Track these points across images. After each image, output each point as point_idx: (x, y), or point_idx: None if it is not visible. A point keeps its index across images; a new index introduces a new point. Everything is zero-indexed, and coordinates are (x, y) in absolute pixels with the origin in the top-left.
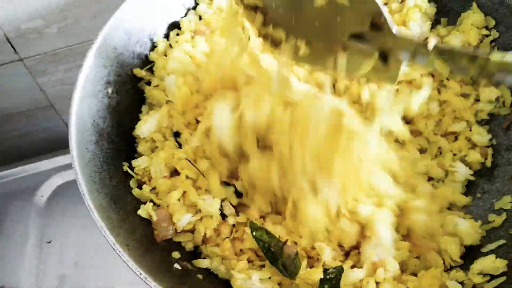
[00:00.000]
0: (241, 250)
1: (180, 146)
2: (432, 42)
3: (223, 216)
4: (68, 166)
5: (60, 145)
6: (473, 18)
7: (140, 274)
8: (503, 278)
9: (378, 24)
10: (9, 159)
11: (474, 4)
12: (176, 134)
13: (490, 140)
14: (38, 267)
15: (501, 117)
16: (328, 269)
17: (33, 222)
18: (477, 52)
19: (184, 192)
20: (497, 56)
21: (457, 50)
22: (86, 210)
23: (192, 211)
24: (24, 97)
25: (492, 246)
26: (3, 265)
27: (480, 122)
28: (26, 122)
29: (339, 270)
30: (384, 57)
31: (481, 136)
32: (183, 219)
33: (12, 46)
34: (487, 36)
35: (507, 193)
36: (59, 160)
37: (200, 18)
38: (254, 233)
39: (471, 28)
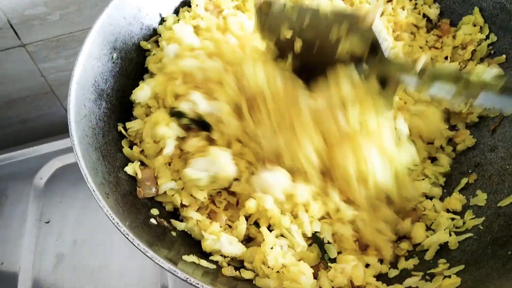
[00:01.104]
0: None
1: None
2: (419, 64)
3: None
4: (67, 150)
5: (60, 130)
6: (468, 27)
7: (113, 219)
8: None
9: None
10: (11, 144)
11: (476, 9)
12: None
13: None
14: (37, 246)
15: (490, 119)
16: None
17: (32, 203)
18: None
19: (172, 159)
20: (475, 76)
21: (443, 72)
22: (84, 192)
23: (176, 177)
24: (26, 83)
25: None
26: (3, 244)
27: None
28: (28, 107)
29: None
30: (382, 82)
31: None
32: (167, 185)
33: (15, 32)
34: (485, 39)
35: (483, 191)
36: (59, 144)
37: None
38: None
39: (465, 37)
